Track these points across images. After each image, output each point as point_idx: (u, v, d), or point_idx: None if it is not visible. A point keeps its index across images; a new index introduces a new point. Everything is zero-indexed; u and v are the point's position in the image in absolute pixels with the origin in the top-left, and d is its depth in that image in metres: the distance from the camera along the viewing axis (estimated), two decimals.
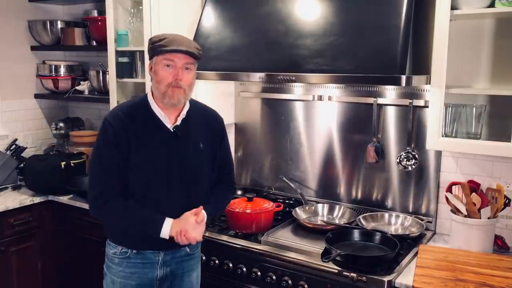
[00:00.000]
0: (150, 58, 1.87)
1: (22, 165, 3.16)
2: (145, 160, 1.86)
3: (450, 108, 2.16)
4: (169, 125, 1.90)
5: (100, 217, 1.95)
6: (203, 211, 1.92)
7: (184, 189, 1.93)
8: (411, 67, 1.97)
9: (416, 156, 2.42)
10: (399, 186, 2.52)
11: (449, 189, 2.19)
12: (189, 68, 1.85)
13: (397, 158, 2.48)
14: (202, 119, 2.01)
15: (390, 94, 2.48)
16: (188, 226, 1.86)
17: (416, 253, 2.13)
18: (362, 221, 2.40)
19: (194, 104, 2.01)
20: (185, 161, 1.92)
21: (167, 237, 1.85)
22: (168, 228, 1.84)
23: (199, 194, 1.98)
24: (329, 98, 2.64)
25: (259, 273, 2.19)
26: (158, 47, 1.81)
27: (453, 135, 2.19)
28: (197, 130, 1.97)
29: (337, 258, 2.00)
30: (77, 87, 3.42)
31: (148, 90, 1.93)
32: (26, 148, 3.33)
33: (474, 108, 2.15)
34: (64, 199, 2.96)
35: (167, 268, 1.98)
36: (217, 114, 2.10)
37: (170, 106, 1.88)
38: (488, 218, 2.10)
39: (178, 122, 1.91)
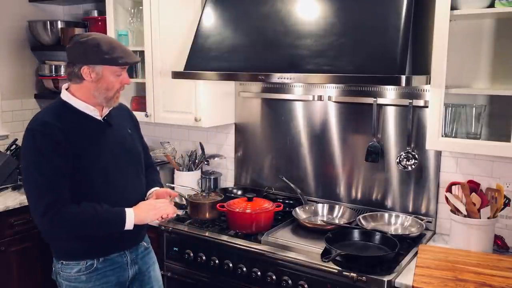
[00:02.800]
0: (94, 64, 1.82)
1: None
2: (92, 155, 1.86)
3: (450, 108, 2.16)
4: (99, 117, 1.93)
5: (56, 230, 1.80)
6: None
7: (133, 170, 2.01)
8: (411, 67, 1.97)
9: (416, 156, 2.42)
10: (399, 186, 2.52)
11: (449, 189, 2.19)
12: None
13: (397, 158, 2.48)
14: (118, 109, 2.05)
15: (390, 94, 2.48)
16: (158, 204, 1.95)
17: (416, 253, 2.13)
18: (362, 221, 2.40)
19: None
20: (125, 145, 2.00)
21: (132, 227, 1.86)
22: (132, 217, 1.85)
23: (142, 173, 2.09)
24: (329, 98, 2.64)
25: (259, 273, 2.19)
26: (113, 59, 1.83)
27: (453, 135, 2.19)
28: (120, 118, 2.04)
29: (337, 258, 2.01)
30: None
31: (67, 94, 1.90)
32: None
33: (474, 108, 2.15)
34: None
35: (136, 266, 2.02)
36: (127, 107, 2.24)
37: (108, 107, 1.95)
38: (488, 218, 2.10)
39: (107, 112, 1.96)
